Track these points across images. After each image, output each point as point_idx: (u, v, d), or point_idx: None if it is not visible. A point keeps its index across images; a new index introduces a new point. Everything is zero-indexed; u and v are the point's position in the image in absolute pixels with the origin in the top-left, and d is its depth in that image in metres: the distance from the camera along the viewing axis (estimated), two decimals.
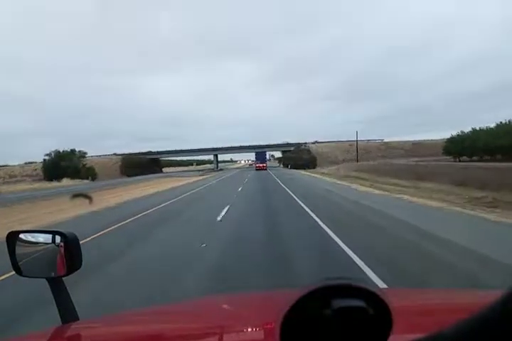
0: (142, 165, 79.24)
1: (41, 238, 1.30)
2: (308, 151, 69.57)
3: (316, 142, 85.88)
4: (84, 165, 72.28)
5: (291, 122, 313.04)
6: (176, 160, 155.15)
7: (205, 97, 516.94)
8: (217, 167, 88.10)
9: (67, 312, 1.24)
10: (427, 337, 0.38)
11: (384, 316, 0.43)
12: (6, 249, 1.28)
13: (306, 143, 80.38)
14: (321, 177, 32.59)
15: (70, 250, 1.22)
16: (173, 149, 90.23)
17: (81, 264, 1.24)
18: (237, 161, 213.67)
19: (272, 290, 3.31)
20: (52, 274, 1.24)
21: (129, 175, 70.84)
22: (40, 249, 1.29)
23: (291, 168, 60.72)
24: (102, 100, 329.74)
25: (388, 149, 74.43)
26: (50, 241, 1.26)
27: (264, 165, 60.58)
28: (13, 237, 1.29)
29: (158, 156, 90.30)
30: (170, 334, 1.18)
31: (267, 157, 75.99)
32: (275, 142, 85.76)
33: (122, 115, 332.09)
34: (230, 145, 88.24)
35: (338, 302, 0.42)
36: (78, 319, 1.26)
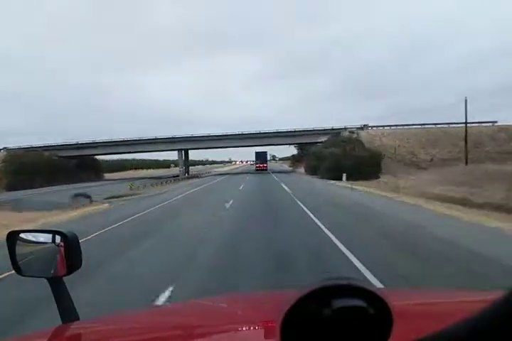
0: (52, 167, 45.07)
1: (41, 237, 1.30)
2: (360, 143, 34.51)
3: (366, 126, 44.67)
4: None
5: (297, 121, 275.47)
6: (159, 161, 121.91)
7: (203, 96, 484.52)
8: (186, 171, 52.31)
9: (68, 312, 1.22)
10: (427, 336, 0.38)
11: (384, 316, 0.42)
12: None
13: (348, 127, 42.73)
14: None
15: (70, 250, 1.21)
16: (106, 140, 50.18)
17: (81, 264, 1.23)
18: (232, 162, 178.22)
19: (271, 290, 3.34)
20: (53, 274, 1.23)
21: (16, 188, 39.56)
22: (41, 249, 1.29)
23: (329, 179, 25.51)
24: (95, 99, 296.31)
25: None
26: (51, 240, 1.25)
27: (265, 165, 61.31)
28: (13, 237, 1.29)
29: (84, 153, 52.14)
30: (170, 333, 1.18)
31: (268, 157, 72.29)
32: (285, 129, 48.39)
33: (115, 114, 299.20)
34: (204, 134, 49.91)
35: (338, 302, 0.41)
36: (78, 319, 1.25)
